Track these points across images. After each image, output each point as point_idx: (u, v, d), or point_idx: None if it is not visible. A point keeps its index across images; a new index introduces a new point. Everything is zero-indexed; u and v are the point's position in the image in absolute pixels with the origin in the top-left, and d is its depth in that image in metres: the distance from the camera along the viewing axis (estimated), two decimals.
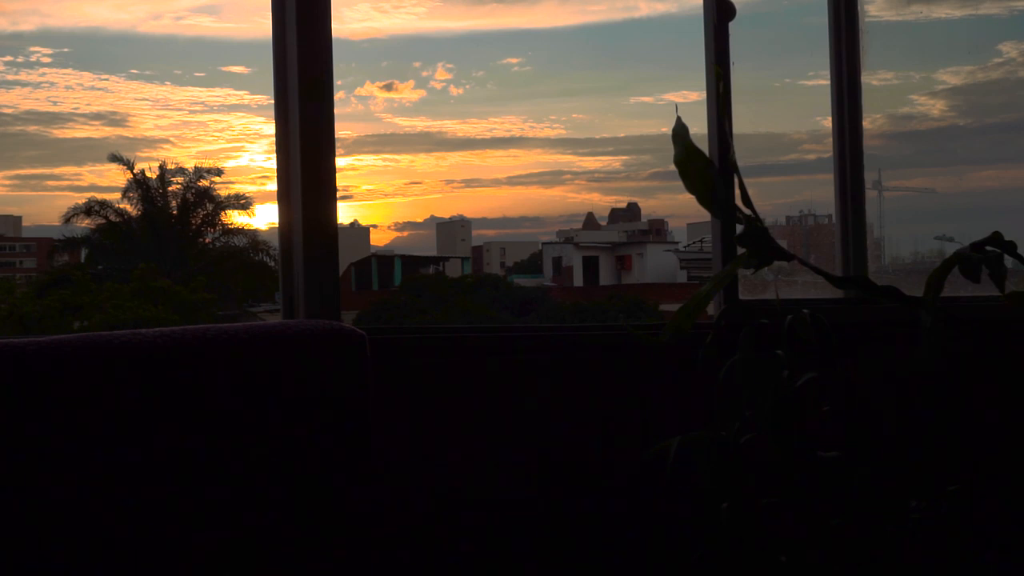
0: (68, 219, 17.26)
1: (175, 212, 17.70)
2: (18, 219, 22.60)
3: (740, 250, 2.26)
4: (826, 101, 2.95)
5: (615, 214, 27.35)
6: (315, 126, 2.36)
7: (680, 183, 2.20)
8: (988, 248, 2.13)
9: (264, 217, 18.16)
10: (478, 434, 2.45)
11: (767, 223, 2.26)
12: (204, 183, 17.77)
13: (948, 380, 2.72)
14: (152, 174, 17.65)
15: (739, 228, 2.29)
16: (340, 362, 1.87)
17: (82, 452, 1.72)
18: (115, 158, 17.69)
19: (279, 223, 2.42)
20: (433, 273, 20.46)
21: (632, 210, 27.32)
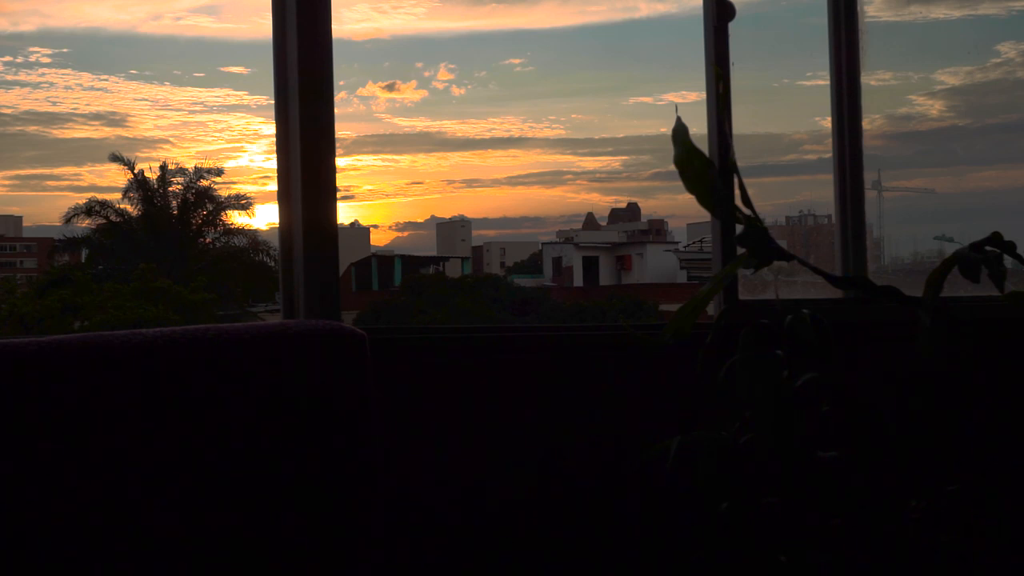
0: (68, 219, 17.29)
1: (175, 212, 17.72)
2: (18, 219, 22.65)
3: (740, 250, 2.26)
4: (826, 101, 2.95)
5: (615, 214, 27.38)
6: (315, 126, 2.36)
7: (680, 183, 2.20)
8: (987, 248, 2.13)
9: (264, 217, 18.20)
10: (478, 434, 2.45)
11: (767, 223, 2.26)
12: (204, 183, 17.80)
13: (948, 380, 2.73)
14: (152, 174, 17.69)
15: (739, 228, 2.29)
16: (340, 362, 1.87)
17: (82, 452, 1.72)
18: (115, 158, 17.73)
19: (279, 223, 2.43)
20: (433, 273, 20.47)
21: (632, 210, 27.34)
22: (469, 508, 2.43)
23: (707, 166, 2.21)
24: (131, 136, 22.89)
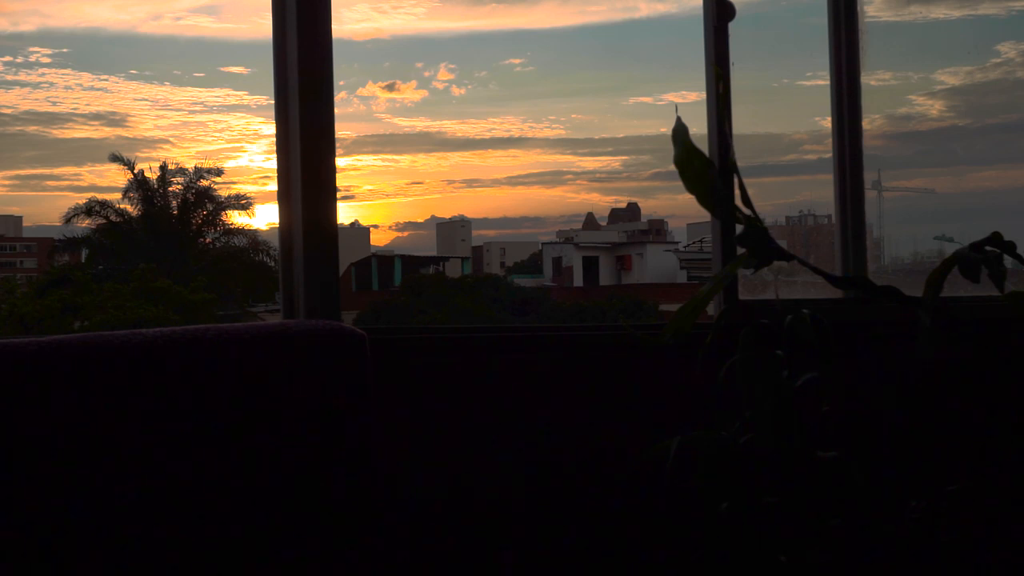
0: (68, 219, 17.30)
1: (175, 212, 17.73)
2: (18, 219, 22.69)
3: (740, 250, 2.26)
4: (826, 101, 2.95)
5: (615, 214, 27.41)
6: (315, 126, 2.36)
7: (680, 183, 2.20)
8: (987, 248, 2.13)
9: (264, 217, 18.23)
10: (478, 434, 2.45)
11: (767, 223, 2.26)
12: (204, 183, 17.82)
13: (948, 380, 2.72)
14: (152, 174, 17.71)
15: (739, 228, 2.29)
16: (340, 362, 1.87)
17: (82, 452, 1.72)
18: (115, 158, 17.75)
19: (279, 223, 2.43)
20: (433, 273, 20.49)
21: (632, 210, 27.37)
22: (469, 507, 2.43)
23: (707, 166, 2.21)
24: (131, 136, 22.94)
